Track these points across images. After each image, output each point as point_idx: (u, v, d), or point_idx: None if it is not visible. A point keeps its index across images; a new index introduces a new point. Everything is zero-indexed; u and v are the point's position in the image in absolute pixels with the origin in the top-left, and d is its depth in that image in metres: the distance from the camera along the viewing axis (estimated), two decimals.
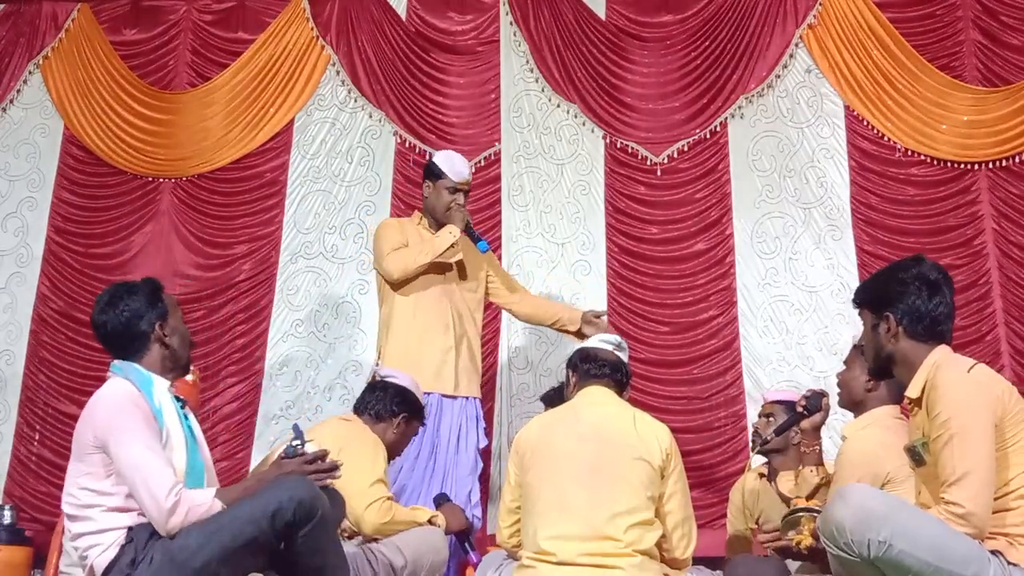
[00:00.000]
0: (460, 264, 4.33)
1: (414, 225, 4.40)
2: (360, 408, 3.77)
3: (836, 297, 5.44)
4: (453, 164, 4.36)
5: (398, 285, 4.25)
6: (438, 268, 4.27)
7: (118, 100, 6.25)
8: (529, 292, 4.79)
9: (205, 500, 2.68)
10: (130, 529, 2.70)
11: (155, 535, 2.67)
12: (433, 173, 4.37)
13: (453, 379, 4.23)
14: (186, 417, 2.91)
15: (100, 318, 2.91)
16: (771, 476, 3.91)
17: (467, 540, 3.70)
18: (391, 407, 3.72)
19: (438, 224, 4.31)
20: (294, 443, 2.84)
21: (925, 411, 2.62)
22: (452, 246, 4.21)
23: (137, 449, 2.67)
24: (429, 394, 4.13)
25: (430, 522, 3.54)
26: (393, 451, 3.75)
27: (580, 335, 4.32)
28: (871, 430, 3.25)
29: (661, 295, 5.65)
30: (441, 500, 3.80)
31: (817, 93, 5.74)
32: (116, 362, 2.90)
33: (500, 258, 5.70)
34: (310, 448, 2.84)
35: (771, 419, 3.88)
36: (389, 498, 3.49)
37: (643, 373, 5.35)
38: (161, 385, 2.87)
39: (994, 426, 2.51)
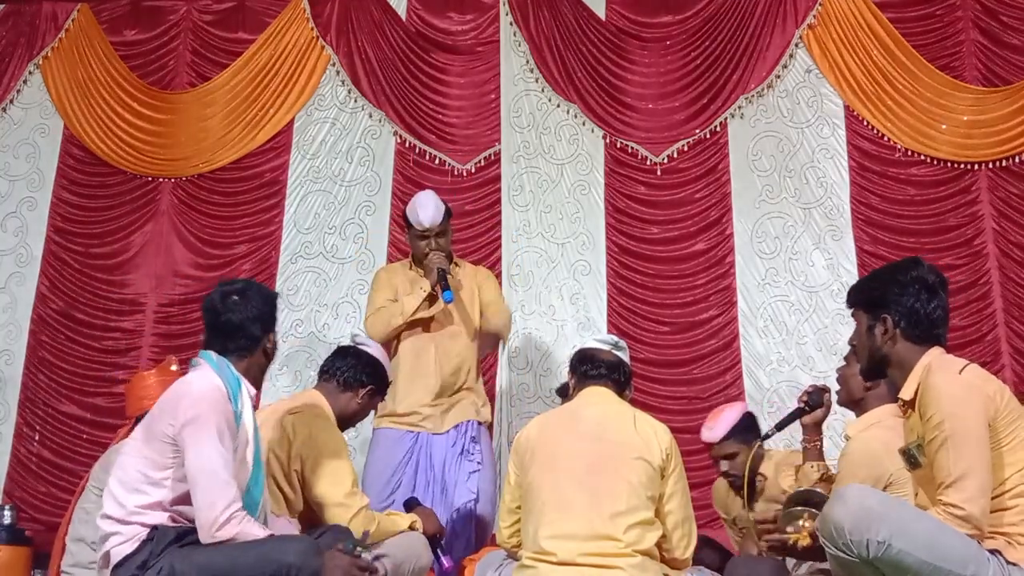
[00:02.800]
0: (446, 311, 4.29)
1: (405, 271, 4.41)
2: (327, 372, 3.64)
3: (836, 297, 5.43)
4: (416, 212, 4.30)
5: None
6: (422, 319, 4.27)
7: (118, 100, 6.24)
8: (491, 317, 4.41)
9: (256, 536, 2.65)
10: (154, 528, 2.68)
11: (174, 543, 2.65)
12: (406, 221, 4.38)
13: (439, 421, 4.23)
14: (256, 431, 2.88)
15: (226, 308, 2.89)
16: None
17: (439, 545, 3.60)
18: (361, 377, 3.60)
19: (425, 268, 4.26)
20: (353, 545, 2.85)
21: (918, 414, 2.62)
22: (426, 302, 4.21)
23: (210, 451, 2.64)
24: (418, 432, 4.19)
25: (411, 527, 3.47)
26: (350, 423, 3.66)
27: None
28: (874, 431, 3.24)
29: (661, 295, 5.65)
30: (412, 503, 3.73)
31: (817, 93, 5.74)
32: (212, 354, 2.86)
33: (500, 258, 5.72)
34: (365, 556, 2.85)
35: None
36: (367, 506, 3.41)
37: (643, 373, 5.34)
38: (247, 391, 2.83)
39: (988, 426, 2.51)
